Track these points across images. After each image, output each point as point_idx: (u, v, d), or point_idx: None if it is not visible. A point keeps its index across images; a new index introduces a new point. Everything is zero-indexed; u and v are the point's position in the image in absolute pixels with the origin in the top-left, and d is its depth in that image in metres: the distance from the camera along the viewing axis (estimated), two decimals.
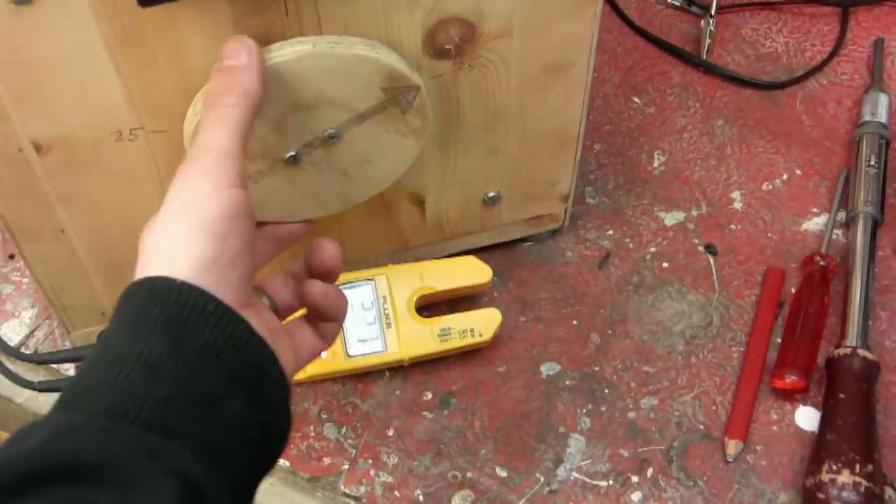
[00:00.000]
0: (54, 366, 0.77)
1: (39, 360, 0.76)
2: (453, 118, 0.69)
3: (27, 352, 0.78)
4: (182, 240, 0.49)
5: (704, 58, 0.97)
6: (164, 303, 0.47)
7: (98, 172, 0.63)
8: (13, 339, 0.79)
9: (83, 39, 0.55)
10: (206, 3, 0.55)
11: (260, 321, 0.50)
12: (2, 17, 0.53)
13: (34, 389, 0.73)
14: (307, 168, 0.64)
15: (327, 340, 0.59)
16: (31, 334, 0.79)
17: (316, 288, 0.57)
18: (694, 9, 1.02)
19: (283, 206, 0.66)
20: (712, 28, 0.98)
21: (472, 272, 0.78)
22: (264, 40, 0.58)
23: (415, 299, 0.76)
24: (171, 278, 0.47)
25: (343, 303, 0.59)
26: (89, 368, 0.46)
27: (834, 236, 0.85)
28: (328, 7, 0.58)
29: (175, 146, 0.62)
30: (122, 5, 0.54)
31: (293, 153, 0.62)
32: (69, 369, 0.77)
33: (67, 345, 0.77)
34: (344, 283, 0.75)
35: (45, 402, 0.80)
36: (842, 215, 0.86)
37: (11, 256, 0.83)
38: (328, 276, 0.59)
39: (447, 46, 0.63)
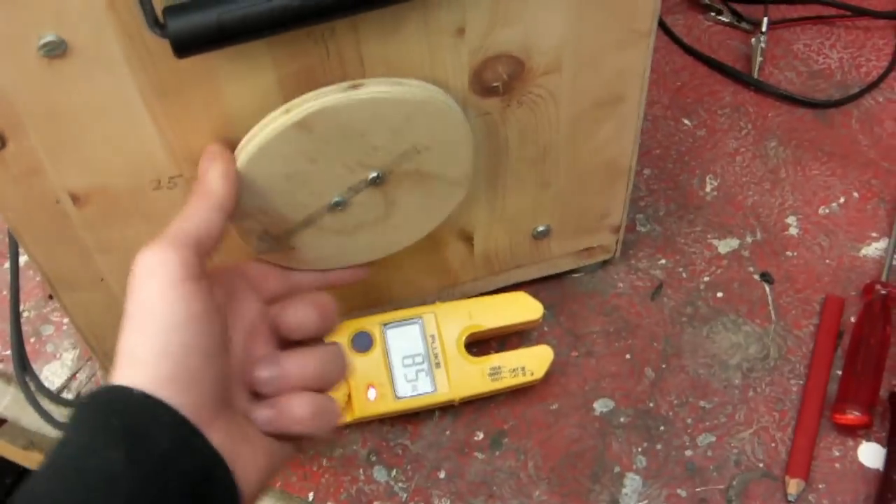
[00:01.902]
0: None
1: None
2: (502, 155, 0.67)
3: (69, 396, 0.77)
4: (138, 356, 0.48)
5: (756, 76, 0.94)
6: (123, 413, 0.47)
7: (137, 220, 0.62)
8: (55, 383, 0.78)
9: (119, 90, 0.54)
10: (244, 51, 0.53)
11: (224, 432, 0.50)
12: (35, 70, 0.51)
13: None
14: (352, 213, 0.62)
15: (301, 450, 0.58)
16: (73, 377, 0.78)
17: (303, 409, 0.54)
18: (744, 25, 0.99)
19: (331, 255, 0.64)
20: (763, 45, 0.95)
21: (522, 309, 0.76)
22: (306, 85, 0.56)
23: (464, 338, 0.74)
24: (129, 389, 0.47)
25: (331, 423, 0.56)
26: (47, 473, 0.46)
27: (895, 262, 0.82)
28: (371, 48, 0.56)
29: None
30: (158, 55, 0.52)
31: (338, 199, 0.61)
32: None
33: None
34: (391, 322, 0.74)
35: None
36: None
37: (51, 297, 0.82)
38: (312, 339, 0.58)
39: (495, 84, 0.61)
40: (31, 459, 0.90)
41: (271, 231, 0.62)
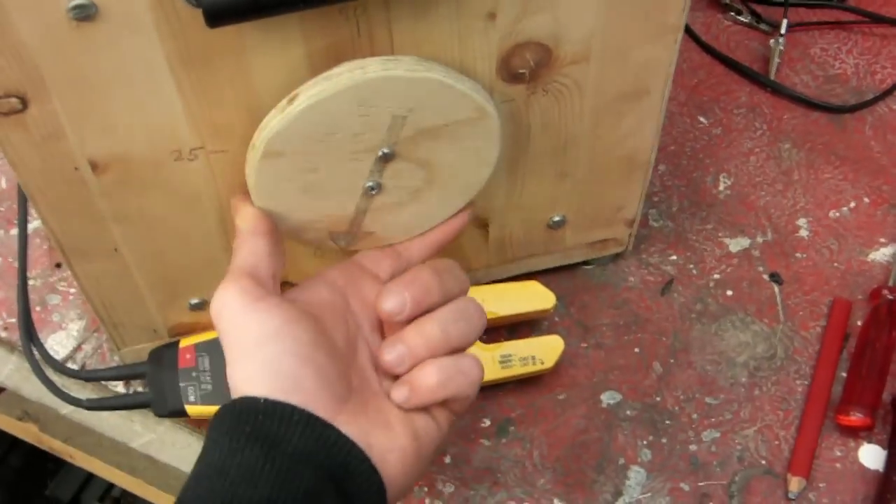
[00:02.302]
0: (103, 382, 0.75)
1: (88, 377, 0.74)
2: (523, 142, 0.66)
3: (74, 367, 0.76)
4: (247, 385, 0.51)
5: (772, 78, 0.94)
6: (254, 421, 0.49)
7: (155, 191, 0.61)
8: (60, 353, 0.77)
9: (145, 57, 0.53)
10: (275, 23, 0.53)
11: (353, 423, 0.51)
12: (62, 33, 0.51)
13: (82, 407, 0.72)
14: (395, 187, 0.62)
15: (441, 426, 0.57)
16: (78, 348, 0.78)
17: (432, 377, 0.55)
18: (763, 26, 0.99)
19: (413, 223, 0.64)
20: (782, 47, 0.95)
21: (535, 298, 0.75)
22: (335, 61, 0.56)
23: None
24: (256, 398, 0.50)
25: (468, 381, 0.56)
26: (193, 483, 0.49)
27: None
28: (402, 28, 0.56)
29: (236, 167, 0.60)
30: (189, 23, 0.52)
31: (370, 184, 0.60)
32: (117, 386, 0.75)
33: (116, 360, 0.76)
34: None
35: (89, 415, 0.79)
36: None
37: (58, 265, 0.81)
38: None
39: (522, 71, 0.61)
40: (23, 430, 0.90)
41: (337, 230, 0.63)
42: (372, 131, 0.57)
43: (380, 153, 0.59)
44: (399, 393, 0.54)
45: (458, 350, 0.56)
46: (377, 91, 0.55)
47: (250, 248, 0.56)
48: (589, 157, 0.70)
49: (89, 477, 1.40)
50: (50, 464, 1.41)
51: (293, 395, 0.50)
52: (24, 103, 0.54)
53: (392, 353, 0.55)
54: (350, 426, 0.51)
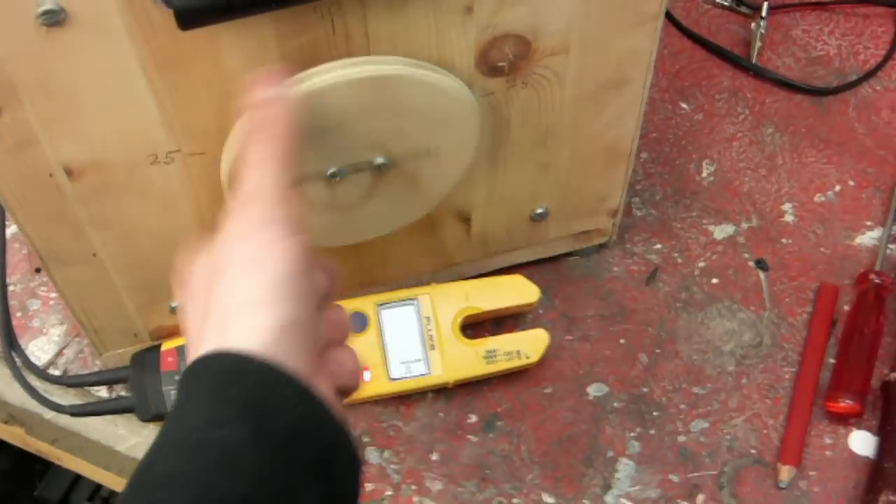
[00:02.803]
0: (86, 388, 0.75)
1: (70, 382, 0.73)
2: (503, 135, 0.66)
3: (56, 372, 0.75)
4: (261, 300, 0.46)
5: (754, 61, 0.94)
6: (243, 385, 0.44)
7: (132, 196, 0.60)
8: (42, 359, 0.76)
9: (118, 62, 0.52)
10: (248, 24, 0.52)
11: (326, 383, 0.48)
12: (32, 39, 0.50)
13: (65, 413, 0.71)
14: (349, 187, 0.61)
15: None
16: (59, 353, 0.77)
17: (353, 362, 0.52)
18: (743, 9, 0.98)
19: (326, 232, 0.63)
20: (763, 30, 0.95)
21: (519, 292, 0.75)
22: (309, 61, 0.55)
23: (460, 320, 0.73)
24: (247, 356, 0.44)
25: (354, 369, 0.54)
26: (165, 449, 0.44)
27: (889, 251, 0.82)
28: (378, 25, 0.55)
29: (213, 168, 0.59)
30: (160, 27, 0.51)
31: (334, 170, 0.59)
32: (100, 391, 0.75)
33: (98, 365, 0.75)
34: (386, 303, 0.73)
35: (74, 420, 0.78)
36: None
37: (38, 270, 0.81)
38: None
39: (501, 64, 0.60)
40: (11, 433, 0.89)
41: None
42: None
43: (379, 160, 0.59)
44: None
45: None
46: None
47: (288, 164, 0.50)
48: (570, 149, 0.69)
49: (77, 477, 1.39)
50: (38, 465, 1.40)
51: (298, 344, 0.46)
52: None
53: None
54: (326, 384, 0.48)
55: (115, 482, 0.86)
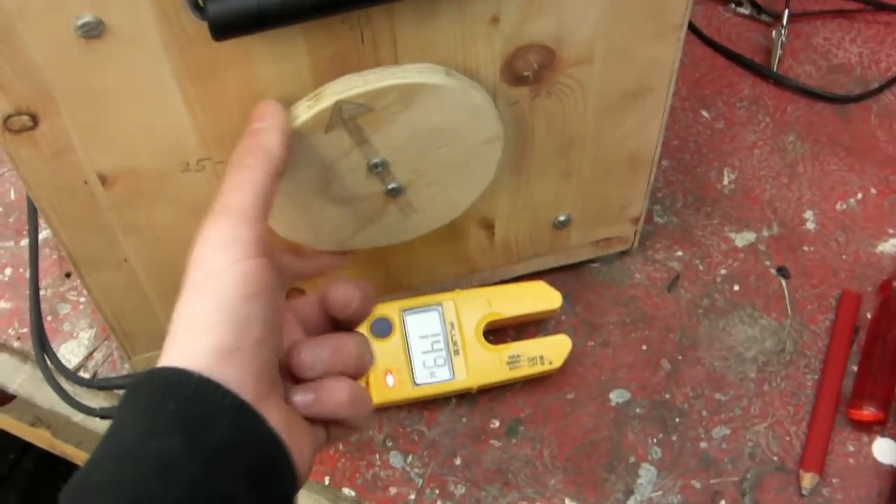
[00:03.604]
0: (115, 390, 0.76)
1: (100, 385, 0.74)
2: (528, 144, 0.67)
3: (86, 375, 0.77)
4: (201, 324, 0.47)
5: (775, 69, 0.94)
6: (180, 398, 0.45)
7: (164, 203, 0.61)
8: (72, 361, 0.77)
9: (152, 72, 0.53)
10: (280, 35, 0.53)
11: (278, 411, 0.49)
12: (71, 50, 0.51)
13: (95, 416, 0.72)
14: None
15: (332, 440, 0.56)
16: (89, 356, 0.78)
17: (343, 393, 0.53)
18: (764, 17, 0.98)
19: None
20: (784, 38, 0.95)
21: (541, 298, 0.75)
22: (339, 69, 0.56)
23: (483, 325, 0.74)
24: (188, 372, 0.46)
25: (366, 411, 0.55)
26: (101, 461, 0.45)
27: None
28: (406, 35, 0.56)
29: None
30: (195, 38, 0.52)
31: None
32: None
33: (127, 368, 0.76)
34: (410, 309, 0.74)
35: (102, 424, 0.79)
36: None
37: (68, 275, 0.82)
38: (350, 322, 0.57)
39: (525, 73, 0.61)
40: (36, 436, 0.90)
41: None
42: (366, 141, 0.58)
43: (373, 160, 0.60)
44: (305, 397, 0.53)
45: (355, 378, 0.55)
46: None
47: (268, 186, 0.52)
48: (593, 157, 0.70)
49: None
50: (62, 467, 1.41)
51: (241, 366, 0.47)
52: (35, 121, 0.54)
53: (309, 356, 0.53)
54: (278, 412, 0.49)
55: None
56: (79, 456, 0.90)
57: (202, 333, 0.47)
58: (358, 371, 0.55)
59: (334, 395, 0.53)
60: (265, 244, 0.50)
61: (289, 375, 0.54)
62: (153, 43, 0.52)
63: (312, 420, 0.53)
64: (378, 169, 0.60)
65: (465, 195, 0.65)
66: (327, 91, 0.56)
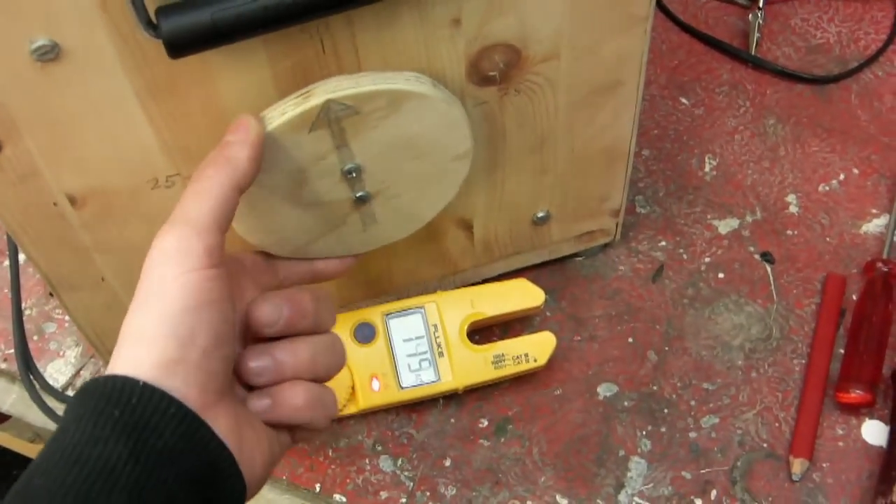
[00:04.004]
0: None
1: None
2: (499, 142, 0.66)
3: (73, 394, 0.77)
4: (146, 336, 0.48)
5: (753, 53, 0.94)
6: (125, 405, 0.46)
7: (136, 220, 0.61)
8: (59, 380, 0.78)
9: (113, 92, 0.53)
10: (239, 48, 0.53)
11: (227, 418, 0.49)
12: (29, 74, 0.51)
13: None
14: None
15: (298, 441, 0.56)
16: (77, 374, 0.78)
17: (298, 398, 0.53)
18: (740, 0, 0.98)
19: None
20: (761, 21, 0.95)
21: (523, 296, 0.75)
22: (302, 80, 0.56)
23: (466, 326, 0.74)
24: (133, 379, 0.46)
25: (327, 413, 0.55)
26: (45, 465, 0.45)
27: None
28: (367, 42, 0.56)
29: None
30: (152, 56, 0.52)
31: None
32: None
33: None
34: (393, 313, 0.73)
35: None
36: None
37: (52, 294, 0.82)
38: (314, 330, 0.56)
39: (492, 73, 0.61)
40: (37, 452, 0.90)
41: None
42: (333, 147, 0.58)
43: (348, 166, 0.60)
44: (260, 403, 0.53)
45: (318, 380, 0.55)
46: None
47: (228, 196, 0.51)
48: (567, 152, 0.69)
49: None
50: None
51: (185, 377, 0.47)
52: None
53: (258, 362, 0.53)
54: (227, 419, 0.49)
55: None
56: None
57: (147, 345, 0.47)
58: (319, 374, 0.55)
59: (290, 400, 0.53)
60: (217, 255, 0.50)
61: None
62: (111, 63, 0.52)
63: (274, 425, 0.54)
64: (351, 175, 0.60)
65: (426, 210, 0.65)
66: (318, 90, 0.56)
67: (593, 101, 0.66)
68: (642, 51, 0.64)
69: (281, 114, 0.55)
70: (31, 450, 0.95)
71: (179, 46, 0.50)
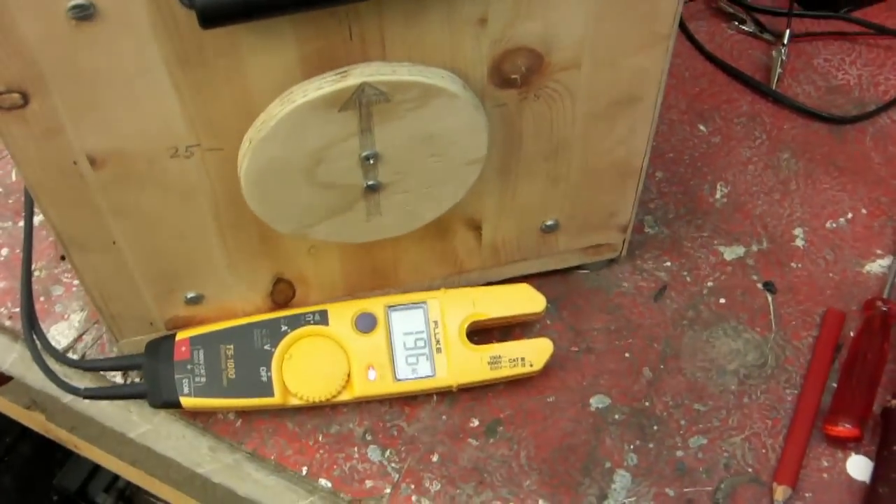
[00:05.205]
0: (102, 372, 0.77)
1: (87, 366, 0.75)
2: (515, 146, 0.67)
3: (74, 356, 0.78)
4: None
5: (774, 87, 0.95)
6: None
7: (152, 187, 0.62)
8: (62, 342, 0.79)
9: (142, 57, 0.55)
10: (268, 25, 0.54)
11: None
12: (62, 31, 0.52)
13: (80, 396, 0.73)
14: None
15: None
16: (79, 338, 0.79)
17: None
18: (766, 36, 0.99)
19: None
20: (784, 57, 0.96)
21: (525, 300, 0.76)
22: (327, 63, 0.57)
23: (466, 325, 0.75)
24: None
25: None
26: None
27: None
28: (394, 32, 0.57)
29: (230, 165, 0.62)
30: (184, 25, 0.53)
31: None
32: (115, 376, 0.77)
33: (115, 351, 0.77)
34: (396, 305, 0.74)
35: (90, 405, 0.80)
36: None
37: (63, 258, 0.83)
38: None
39: (513, 76, 0.62)
40: (32, 419, 0.91)
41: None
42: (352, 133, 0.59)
43: (367, 152, 0.61)
44: None
45: None
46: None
47: None
48: (581, 163, 0.70)
49: (95, 468, 1.42)
50: (58, 453, 1.43)
51: None
52: (25, 98, 0.55)
53: None
54: None
55: (129, 471, 0.88)
56: (72, 441, 0.91)
57: None
58: None
59: None
60: None
61: None
62: (143, 28, 0.53)
63: None
64: (368, 161, 0.61)
65: (429, 210, 0.67)
66: (355, 71, 0.57)
67: (611, 113, 0.67)
68: (662, 68, 0.65)
69: (317, 88, 0.56)
70: (25, 416, 0.96)
71: (212, 17, 0.51)
